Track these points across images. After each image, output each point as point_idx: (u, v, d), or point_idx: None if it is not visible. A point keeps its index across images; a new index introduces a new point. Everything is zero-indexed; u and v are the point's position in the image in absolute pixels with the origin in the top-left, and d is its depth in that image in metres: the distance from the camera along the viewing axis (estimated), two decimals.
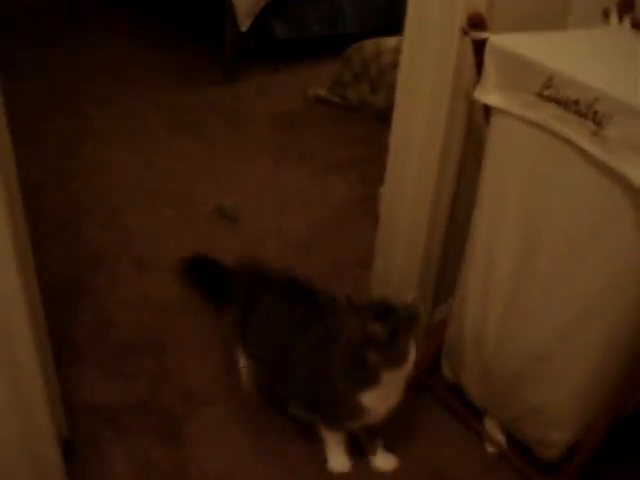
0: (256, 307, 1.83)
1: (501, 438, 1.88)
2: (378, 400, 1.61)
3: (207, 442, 1.86)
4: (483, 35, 1.57)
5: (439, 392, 2.00)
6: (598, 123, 1.36)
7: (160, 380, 2.02)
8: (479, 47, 1.59)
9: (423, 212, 1.95)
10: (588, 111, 1.38)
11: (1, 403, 1.43)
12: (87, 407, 1.91)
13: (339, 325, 1.63)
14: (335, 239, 2.64)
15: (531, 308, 1.63)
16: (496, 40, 1.55)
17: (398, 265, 2.09)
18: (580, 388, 1.65)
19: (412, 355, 1.58)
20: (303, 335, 1.71)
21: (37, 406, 1.51)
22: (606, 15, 1.71)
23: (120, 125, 3.27)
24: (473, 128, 1.85)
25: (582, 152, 1.41)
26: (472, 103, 1.77)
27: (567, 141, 1.44)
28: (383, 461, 1.82)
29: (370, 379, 1.57)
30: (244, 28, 3.57)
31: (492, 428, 1.90)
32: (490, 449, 1.88)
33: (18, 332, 1.38)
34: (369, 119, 3.40)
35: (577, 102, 1.40)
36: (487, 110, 1.65)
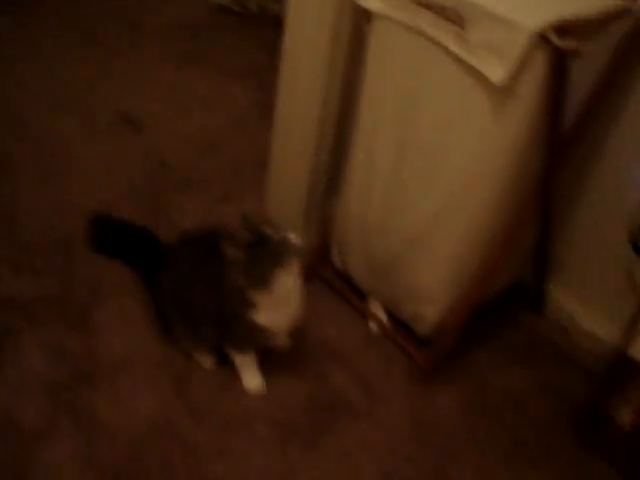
0: (167, 271, 1.90)
1: (383, 316, 2.10)
2: (270, 319, 1.73)
3: (115, 329, 2.01)
4: None
5: (328, 278, 2.20)
6: (461, 26, 1.53)
7: (69, 275, 2.14)
8: None
9: (313, 113, 2.08)
10: (454, 16, 1.54)
11: None
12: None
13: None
14: (235, 142, 2.76)
15: (406, 196, 1.82)
16: None
17: (291, 165, 2.24)
18: (446, 269, 1.87)
19: (288, 282, 1.67)
20: (205, 273, 1.79)
21: None
22: None
23: (22, 35, 3.24)
24: (359, 33, 1.98)
25: (449, 53, 1.58)
26: (356, 8, 1.89)
27: (437, 43, 1.60)
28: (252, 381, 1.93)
29: (248, 301, 1.69)
30: None
31: (375, 308, 2.11)
32: (373, 327, 2.10)
33: None
34: (269, 26, 3.47)
35: (444, 8, 1.55)
36: (368, 15, 1.79)
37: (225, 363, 1.92)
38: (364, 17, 1.82)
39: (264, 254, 1.63)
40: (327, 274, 2.20)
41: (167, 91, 2.99)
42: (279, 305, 1.72)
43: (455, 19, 1.54)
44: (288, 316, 1.77)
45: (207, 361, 1.93)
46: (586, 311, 2.13)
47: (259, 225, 1.67)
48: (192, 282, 1.82)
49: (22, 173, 2.48)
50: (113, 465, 1.70)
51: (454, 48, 1.55)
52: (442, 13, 1.56)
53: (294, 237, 1.65)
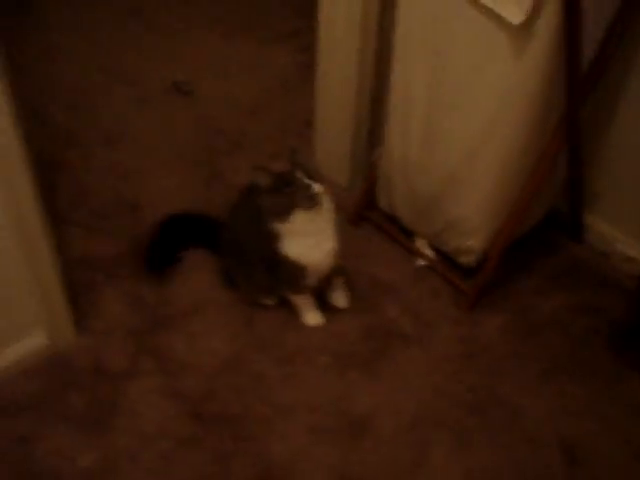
0: (226, 233, 2.10)
1: (429, 252, 2.26)
2: (297, 252, 1.88)
3: (185, 280, 2.21)
4: None
5: (377, 221, 2.36)
6: None
7: (137, 234, 2.34)
8: None
9: (351, 66, 2.23)
10: None
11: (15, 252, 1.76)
12: (78, 260, 2.23)
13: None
14: (281, 103, 2.92)
15: (442, 132, 1.97)
16: None
17: (334, 118, 2.40)
18: (486, 201, 2.01)
19: (306, 219, 1.82)
20: (251, 222, 1.94)
21: (44, 258, 1.85)
22: None
23: (71, 13, 3.42)
24: None
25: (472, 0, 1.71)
26: None
27: None
28: (339, 299, 2.13)
29: (274, 232, 1.85)
30: None
31: (421, 245, 2.27)
32: (421, 262, 2.26)
33: (21, 184, 1.68)
34: None
35: None
36: None
37: (285, 304, 2.11)
38: None
39: (287, 191, 1.78)
40: (375, 217, 2.37)
41: (213, 58, 3.15)
42: (303, 238, 1.87)
43: None
44: (317, 252, 1.90)
45: (269, 302, 2.11)
46: (623, 235, 2.25)
47: (299, 164, 1.82)
48: (244, 233, 2.01)
49: (86, 143, 2.68)
50: (193, 396, 1.91)
51: None
52: None
53: (318, 187, 1.79)
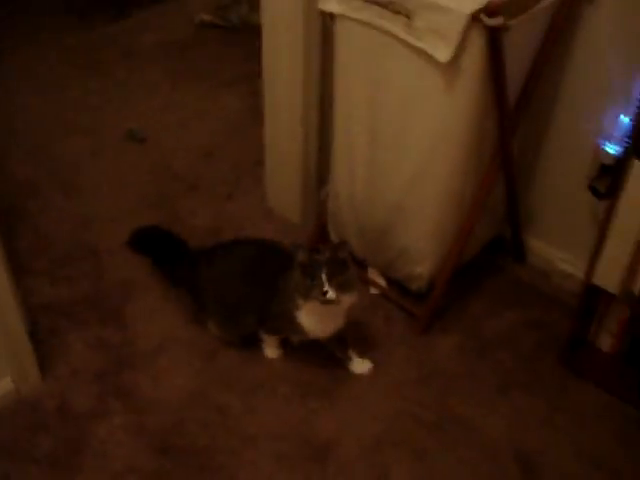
0: (210, 273, 2.13)
1: (381, 281, 2.36)
2: (309, 324, 1.96)
3: (147, 320, 2.28)
4: None
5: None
6: (408, 17, 1.78)
7: (99, 278, 2.41)
8: None
9: (297, 109, 2.35)
10: (401, 8, 1.80)
11: None
12: (41, 307, 2.28)
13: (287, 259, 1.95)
14: (233, 146, 3.02)
15: (384, 168, 2.09)
16: None
17: (284, 159, 2.51)
18: (431, 230, 2.12)
19: (343, 298, 1.88)
20: (259, 271, 2.05)
21: (9, 306, 1.91)
22: None
23: (26, 68, 3.49)
24: (328, 32, 2.24)
25: (401, 41, 1.83)
26: (323, 13, 2.15)
27: (390, 34, 1.85)
28: (359, 366, 2.14)
29: (295, 303, 1.92)
30: None
31: (373, 274, 2.38)
32: (374, 291, 2.36)
33: None
34: (252, 37, 3.72)
35: (392, 2, 1.81)
36: (332, 15, 2.04)
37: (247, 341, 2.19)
38: (328, 18, 2.08)
39: (309, 281, 1.85)
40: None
41: (165, 107, 3.25)
42: (318, 317, 1.95)
43: (402, 11, 1.79)
44: (328, 328, 2.00)
45: (237, 340, 2.20)
46: (561, 254, 2.38)
47: (337, 257, 1.88)
48: (238, 282, 2.08)
49: (46, 193, 2.75)
50: (160, 431, 1.97)
51: (404, 36, 1.81)
52: (391, 7, 1.81)
53: (331, 294, 1.84)
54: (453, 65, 1.76)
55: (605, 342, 2.20)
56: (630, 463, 1.95)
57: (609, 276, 1.95)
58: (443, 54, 1.74)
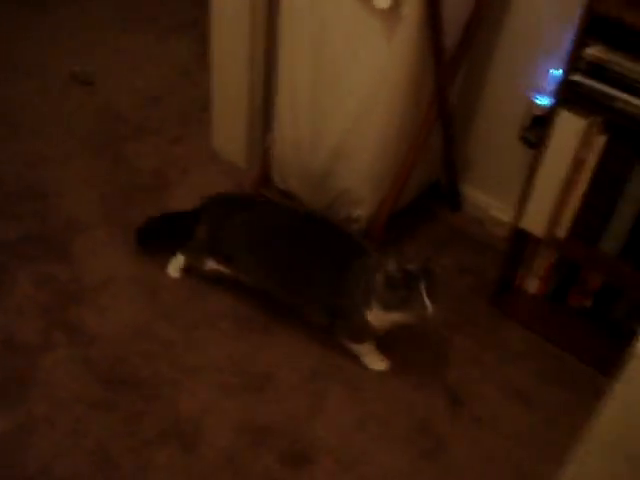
0: (244, 221, 2.08)
1: None
2: (377, 323, 1.93)
3: (93, 257, 2.33)
4: None
5: (273, 196, 2.54)
6: None
7: (45, 216, 2.44)
8: None
9: (243, 56, 2.39)
10: None
11: None
12: None
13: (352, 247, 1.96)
14: (181, 91, 3.05)
15: (326, 112, 2.16)
16: None
17: (230, 105, 2.56)
18: (369, 173, 2.21)
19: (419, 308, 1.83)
20: (323, 253, 1.99)
21: None
22: None
23: None
24: None
25: None
26: None
27: None
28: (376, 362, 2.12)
29: (368, 304, 1.89)
30: None
31: None
32: None
33: None
34: None
35: None
36: None
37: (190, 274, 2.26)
38: None
39: (404, 297, 1.82)
40: (271, 194, 2.53)
41: (114, 51, 3.25)
42: (389, 318, 1.91)
43: None
44: (390, 326, 1.96)
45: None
46: (495, 202, 2.50)
47: (429, 273, 1.85)
48: (287, 245, 2.04)
49: None
50: (104, 363, 2.04)
51: None
52: None
53: (431, 310, 1.81)
54: (393, 12, 1.83)
55: (532, 285, 2.33)
56: (547, 394, 2.09)
57: (536, 221, 2.06)
58: (383, 1, 1.80)
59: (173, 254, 2.29)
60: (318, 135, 2.21)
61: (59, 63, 3.12)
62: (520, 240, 2.18)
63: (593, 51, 1.76)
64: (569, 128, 1.85)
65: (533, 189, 2.02)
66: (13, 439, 1.85)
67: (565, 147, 1.89)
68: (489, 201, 2.51)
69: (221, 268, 2.17)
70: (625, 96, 1.75)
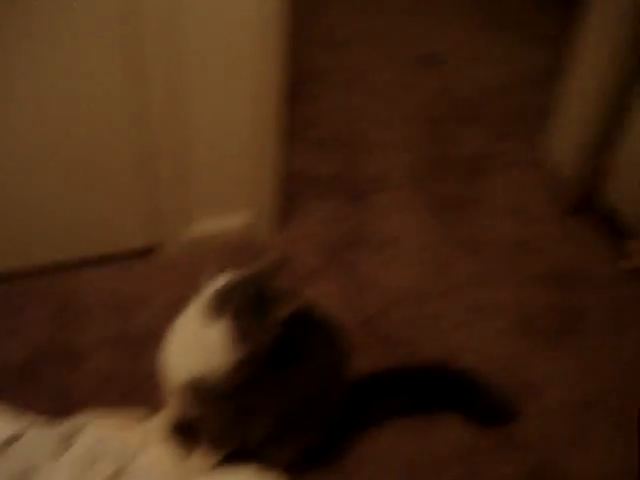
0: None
1: None
2: None
3: (389, 213, 2.27)
4: None
5: (596, 214, 2.29)
6: None
7: (354, 164, 2.45)
8: None
9: (605, 76, 2.18)
10: None
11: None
12: (294, 173, 2.32)
13: None
14: (520, 92, 2.90)
15: None
16: None
17: (573, 120, 2.36)
18: None
19: None
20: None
21: (273, 157, 2.01)
22: None
23: None
24: None
25: None
26: None
27: None
28: None
29: None
30: None
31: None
32: (627, 264, 2.16)
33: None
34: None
35: None
36: None
37: None
38: None
39: None
40: (594, 209, 2.31)
41: (465, 41, 3.21)
42: None
43: None
44: None
45: None
46: None
47: None
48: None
49: (329, 84, 2.83)
50: (365, 311, 1.95)
51: None
52: None
53: None
54: None
55: None
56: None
57: None
58: None
59: None
60: None
61: (411, 39, 3.14)
62: None
63: None
64: None
65: None
66: None
67: None
68: None
69: None
70: None
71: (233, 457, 1.50)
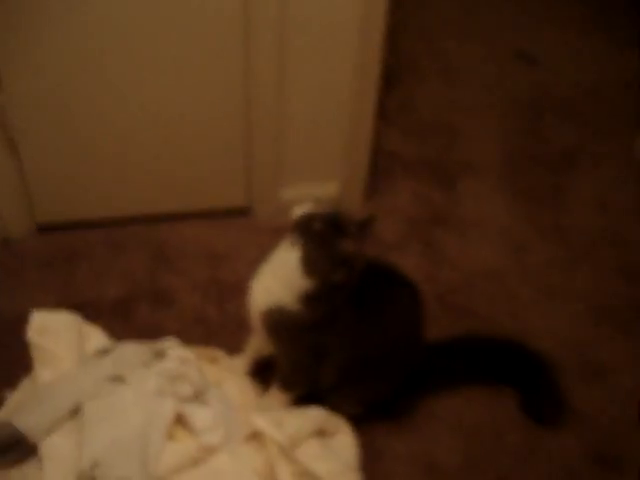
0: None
1: None
2: None
3: (474, 197, 2.32)
4: None
5: None
6: None
7: (449, 148, 2.51)
8: None
9: None
10: None
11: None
12: (385, 152, 2.41)
13: None
14: (615, 98, 2.86)
15: None
16: None
17: None
18: None
19: None
20: None
21: (366, 126, 2.09)
22: None
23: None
24: None
25: None
26: None
27: None
28: None
29: None
30: None
31: None
32: None
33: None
34: None
35: None
36: None
37: None
38: None
39: None
40: None
41: (563, 35, 3.20)
42: None
43: None
44: None
45: None
46: None
47: None
48: None
49: (426, 74, 2.90)
50: (442, 285, 2.02)
51: None
52: None
53: None
54: None
55: None
56: None
57: None
58: None
59: None
60: None
61: (506, 38, 3.17)
62: None
63: None
64: None
65: None
66: None
67: None
68: None
69: None
70: None
71: (305, 401, 1.59)
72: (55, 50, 1.77)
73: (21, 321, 1.52)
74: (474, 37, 3.16)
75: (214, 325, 1.84)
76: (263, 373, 1.66)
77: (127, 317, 1.84)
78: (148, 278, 1.95)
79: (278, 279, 1.42)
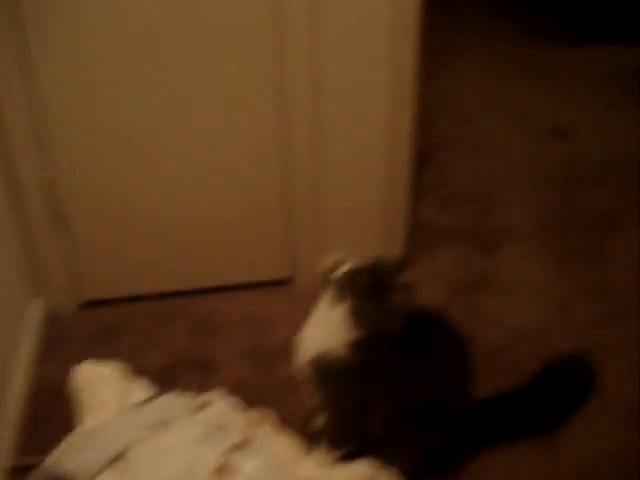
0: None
1: None
2: None
3: (513, 261, 2.33)
4: None
5: None
6: None
7: (484, 217, 2.54)
8: None
9: None
10: None
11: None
12: (420, 225, 2.44)
13: None
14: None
15: None
16: None
17: None
18: None
19: None
20: None
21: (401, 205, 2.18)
22: None
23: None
24: None
25: None
26: None
27: None
28: None
29: None
30: None
31: None
32: None
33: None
34: None
35: None
36: None
37: None
38: None
39: None
40: None
41: (601, 110, 3.26)
42: None
43: None
44: None
45: None
46: None
47: None
48: None
49: (458, 152, 2.96)
50: (488, 345, 1.99)
51: None
52: None
53: None
54: None
55: None
56: None
57: None
58: None
59: None
60: None
61: (540, 112, 3.24)
62: None
63: None
64: None
65: None
66: None
67: None
68: None
69: None
70: None
71: (355, 459, 1.56)
72: (103, 123, 1.89)
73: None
74: (506, 113, 3.24)
75: (257, 391, 1.84)
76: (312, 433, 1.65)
77: (172, 385, 1.84)
78: (191, 347, 1.97)
79: (325, 330, 1.46)
